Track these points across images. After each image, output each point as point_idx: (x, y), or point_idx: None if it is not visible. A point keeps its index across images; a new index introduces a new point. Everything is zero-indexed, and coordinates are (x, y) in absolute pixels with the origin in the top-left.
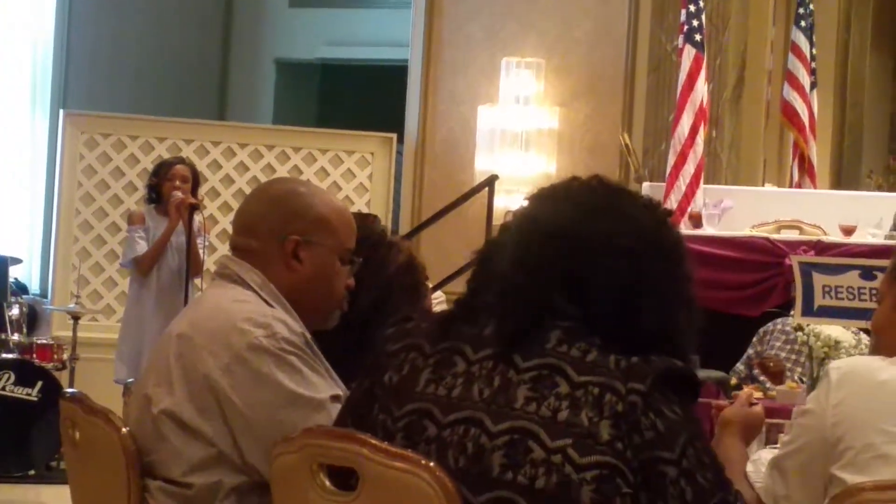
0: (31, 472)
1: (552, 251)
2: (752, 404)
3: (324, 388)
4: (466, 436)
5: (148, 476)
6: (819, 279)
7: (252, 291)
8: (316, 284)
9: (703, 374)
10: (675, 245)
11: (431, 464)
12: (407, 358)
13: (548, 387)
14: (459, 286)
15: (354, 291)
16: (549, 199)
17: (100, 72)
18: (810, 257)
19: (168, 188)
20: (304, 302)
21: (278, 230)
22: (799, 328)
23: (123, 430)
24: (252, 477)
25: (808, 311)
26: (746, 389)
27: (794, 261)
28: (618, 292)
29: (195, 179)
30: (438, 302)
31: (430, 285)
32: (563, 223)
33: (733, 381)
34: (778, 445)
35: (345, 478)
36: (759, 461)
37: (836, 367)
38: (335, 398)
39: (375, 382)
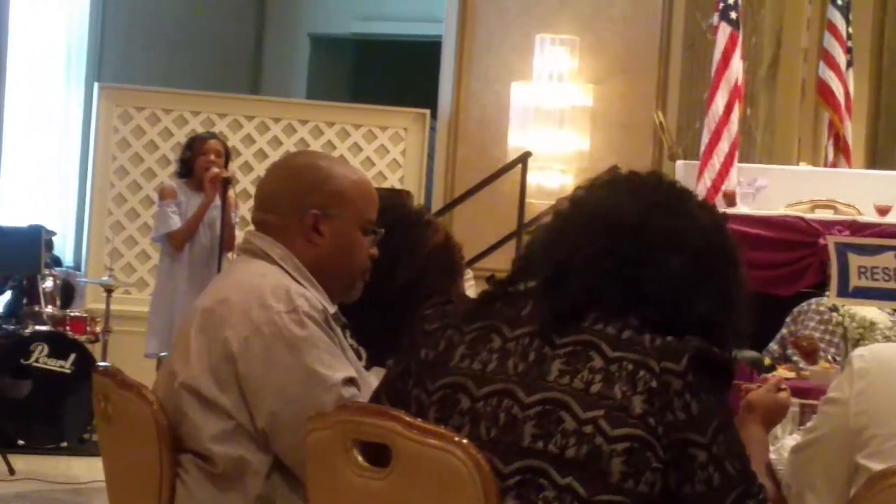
0: (64, 444)
1: (613, 242)
2: (780, 389)
3: (339, 368)
4: (499, 407)
5: (180, 450)
6: (854, 260)
7: (276, 265)
8: (337, 257)
9: (736, 353)
10: (735, 248)
11: (465, 441)
12: (444, 335)
13: (582, 361)
14: (491, 263)
15: (390, 271)
16: (610, 191)
17: (135, 45)
18: (846, 237)
19: (201, 163)
20: (326, 275)
21: (297, 204)
22: (834, 309)
23: (155, 404)
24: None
25: (844, 291)
26: (777, 373)
27: (829, 241)
28: (675, 287)
29: (227, 155)
30: (466, 279)
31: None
32: (629, 216)
33: (767, 361)
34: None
35: (378, 454)
36: (783, 447)
37: (858, 354)
38: (348, 381)
39: (411, 359)
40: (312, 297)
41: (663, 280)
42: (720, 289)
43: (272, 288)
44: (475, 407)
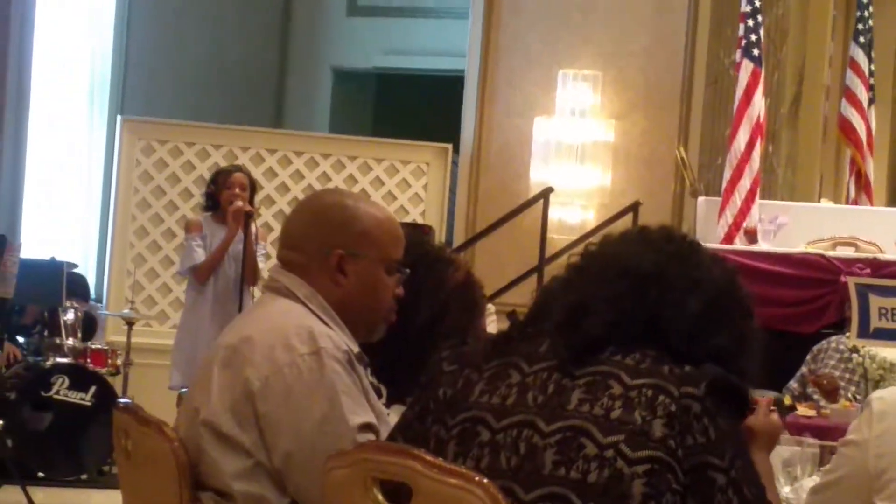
0: (83, 477)
1: (631, 286)
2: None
3: (357, 413)
4: (520, 437)
5: (200, 487)
6: (875, 301)
7: (300, 304)
8: (362, 298)
9: (756, 392)
10: (747, 297)
11: (485, 480)
12: (462, 374)
13: (601, 389)
14: (513, 298)
15: (412, 308)
16: (624, 243)
17: (158, 78)
18: (866, 278)
19: (226, 196)
20: (351, 314)
21: (322, 244)
22: (854, 350)
23: (176, 441)
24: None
25: (864, 332)
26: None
27: (849, 282)
28: (693, 324)
29: (252, 188)
30: (488, 314)
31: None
32: (645, 265)
33: (787, 400)
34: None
35: (398, 493)
36: (802, 488)
37: (878, 397)
38: (365, 426)
39: (430, 399)
40: (336, 338)
41: (681, 318)
42: (734, 329)
43: (296, 328)
44: (495, 439)
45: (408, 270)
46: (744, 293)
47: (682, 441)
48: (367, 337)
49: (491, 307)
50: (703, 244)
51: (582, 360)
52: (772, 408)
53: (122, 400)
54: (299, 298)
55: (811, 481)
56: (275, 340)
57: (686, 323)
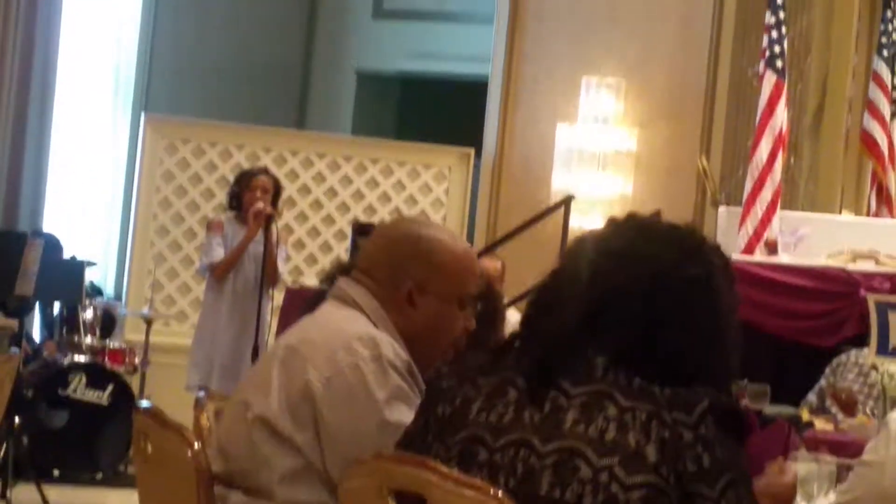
0: (99, 476)
1: (576, 294)
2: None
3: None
4: (517, 457)
5: (230, 486)
6: (895, 318)
7: (365, 317)
8: (428, 331)
9: (773, 409)
10: (697, 280)
11: (500, 493)
12: (460, 391)
13: (596, 409)
14: None
15: None
16: (584, 244)
17: (182, 77)
18: (885, 296)
19: (249, 198)
20: (415, 345)
21: (394, 274)
22: (874, 367)
23: (196, 445)
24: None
25: (883, 349)
26: (778, 461)
27: (869, 299)
28: (635, 333)
29: (276, 191)
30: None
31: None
32: (591, 269)
33: (805, 414)
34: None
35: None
36: None
37: (895, 418)
38: None
39: (429, 415)
40: (397, 347)
41: (622, 326)
42: (678, 323)
43: (359, 333)
44: (493, 458)
45: (480, 305)
46: (695, 275)
47: (674, 468)
48: (427, 368)
49: (515, 313)
50: (663, 225)
51: (574, 377)
52: (784, 468)
53: (142, 402)
54: (364, 312)
55: (827, 501)
56: (337, 343)
57: (627, 336)
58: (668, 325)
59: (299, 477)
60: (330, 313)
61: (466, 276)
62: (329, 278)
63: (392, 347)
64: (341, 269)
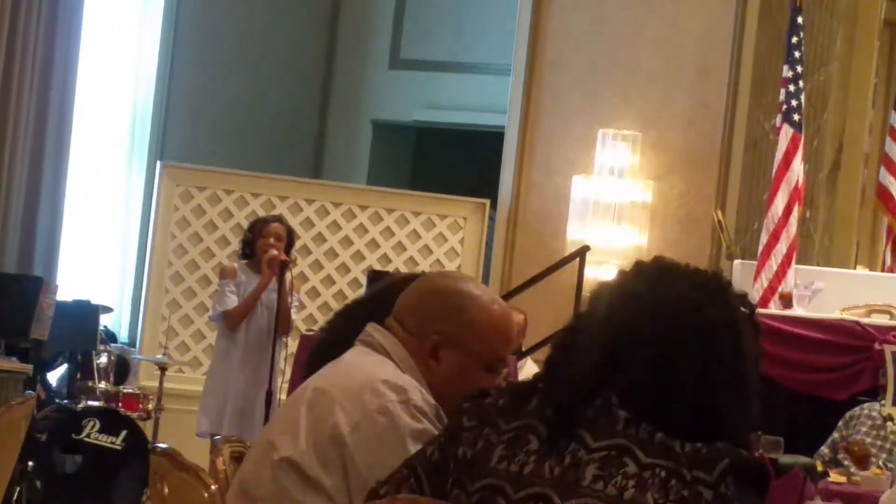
0: None
1: (598, 335)
2: None
3: None
4: None
5: None
6: None
7: (393, 364)
8: (449, 387)
9: (789, 459)
10: (720, 322)
11: None
12: (482, 434)
13: (616, 466)
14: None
15: None
16: (608, 287)
17: (198, 125)
18: None
19: (262, 245)
20: (436, 398)
21: (422, 326)
22: (890, 418)
23: (213, 486)
24: None
25: None
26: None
27: (886, 350)
28: (655, 375)
29: (290, 239)
30: (520, 367)
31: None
32: (612, 311)
33: (819, 466)
34: None
35: None
36: None
37: None
38: None
39: (449, 455)
40: (425, 392)
41: (638, 370)
42: (694, 369)
43: (387, 376)
44: None
45: (507, 370)
46: (714, 319)
47: None
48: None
49: (531, 363)
50: (684, 270)
51: (595, 429)
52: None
53: (159, 444)
54: (392, 358)
55: None
56: (364, 387)
57: (642, 379)
58: (690, 366)
59: None
60: (357, 358)
61: (497, 338)
62: (332, 324)
63: (420, 393)
64: (346, 314)
